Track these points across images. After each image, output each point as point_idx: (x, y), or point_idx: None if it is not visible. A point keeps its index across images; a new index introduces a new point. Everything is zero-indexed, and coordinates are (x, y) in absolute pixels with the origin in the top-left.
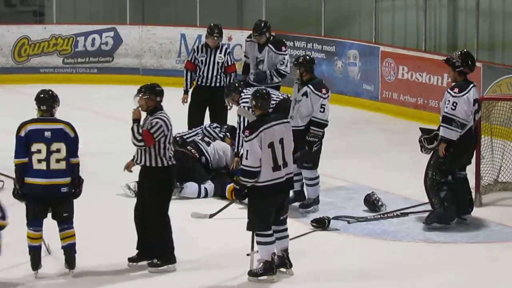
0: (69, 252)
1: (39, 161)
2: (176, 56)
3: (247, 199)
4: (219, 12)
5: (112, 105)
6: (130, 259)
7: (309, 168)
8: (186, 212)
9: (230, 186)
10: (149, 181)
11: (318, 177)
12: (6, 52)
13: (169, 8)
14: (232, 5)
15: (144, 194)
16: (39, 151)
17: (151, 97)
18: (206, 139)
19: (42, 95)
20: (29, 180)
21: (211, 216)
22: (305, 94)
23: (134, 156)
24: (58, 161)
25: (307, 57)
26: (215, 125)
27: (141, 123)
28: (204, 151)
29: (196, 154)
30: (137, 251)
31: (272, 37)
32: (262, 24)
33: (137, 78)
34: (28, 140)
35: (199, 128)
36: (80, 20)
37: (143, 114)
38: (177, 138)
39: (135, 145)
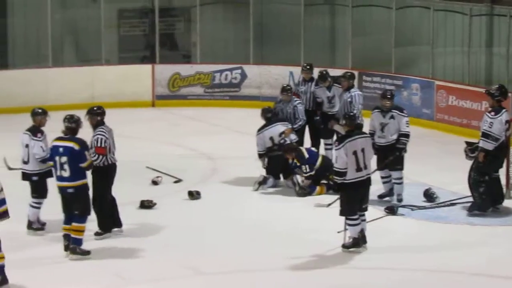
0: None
1: None
2: None
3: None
4: (316, 54)
5: (240, 123)
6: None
7: (399, 170)
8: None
9: (318, 189)
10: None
11: (403, 177)
12: (164, 84)
13: (281, 52)
14: (326, 49)
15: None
16: None
17: (93, 117)
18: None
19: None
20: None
21: (329, 205)
22: (392, 117)
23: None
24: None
25: (392, 92)
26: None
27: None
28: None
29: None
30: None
31: (332, 82)
32: (325, 73)
33: (257, 103)
34: None
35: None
36: (217, 61)
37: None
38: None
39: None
